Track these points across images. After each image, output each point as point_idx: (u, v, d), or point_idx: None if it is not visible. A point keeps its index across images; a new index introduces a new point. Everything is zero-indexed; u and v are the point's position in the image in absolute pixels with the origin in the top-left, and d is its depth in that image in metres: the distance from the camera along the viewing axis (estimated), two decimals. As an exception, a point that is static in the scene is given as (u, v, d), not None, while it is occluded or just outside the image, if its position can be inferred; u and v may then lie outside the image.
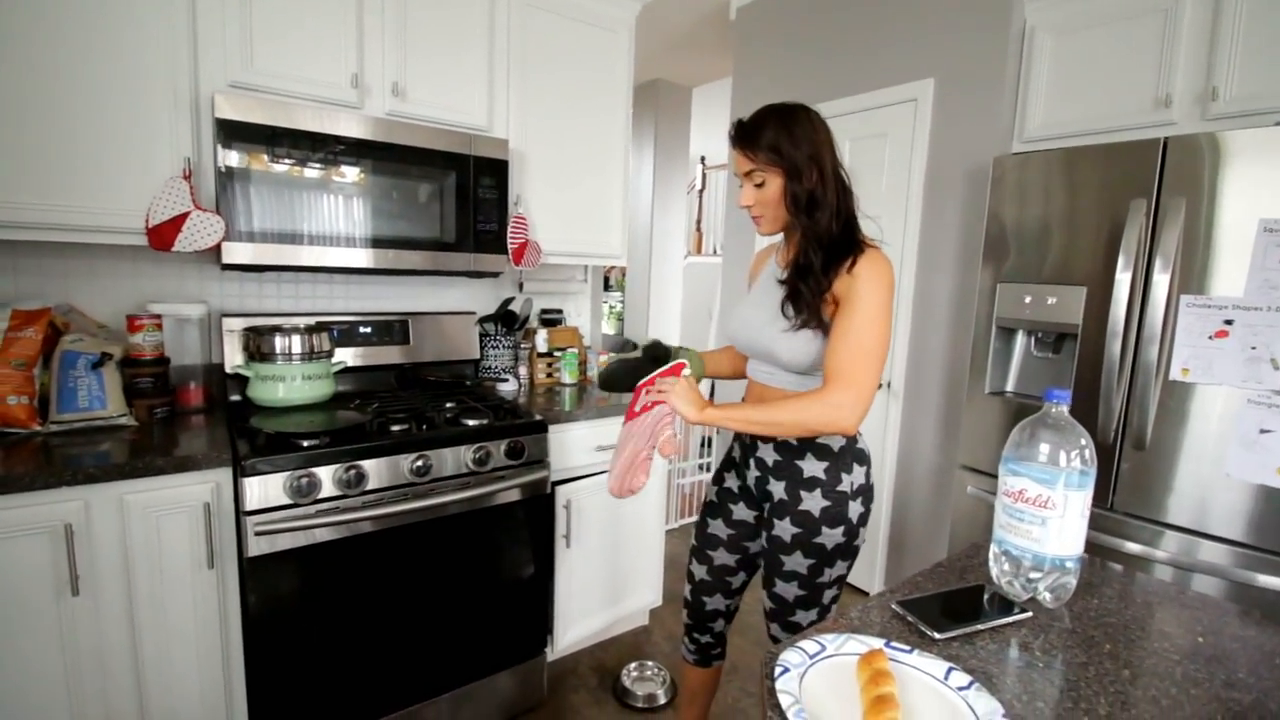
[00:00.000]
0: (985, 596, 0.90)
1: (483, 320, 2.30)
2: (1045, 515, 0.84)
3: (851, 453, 1.25)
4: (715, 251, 5.64)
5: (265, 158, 1.61)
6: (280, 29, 1.66)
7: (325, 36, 1.72)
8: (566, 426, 1.97)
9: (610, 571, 2.11)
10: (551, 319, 2.52)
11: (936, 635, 0.79)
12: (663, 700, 1.99)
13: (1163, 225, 1.62)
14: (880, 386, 2.56)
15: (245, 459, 1.38)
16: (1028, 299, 1.92)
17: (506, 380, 2.23)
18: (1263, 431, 1.50)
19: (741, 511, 1.41)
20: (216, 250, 1.59)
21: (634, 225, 4.88)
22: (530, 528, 1.82)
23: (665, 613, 2.46)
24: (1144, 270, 1.67)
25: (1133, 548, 1.70)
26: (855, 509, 1.25)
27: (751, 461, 1.33)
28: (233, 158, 1.56)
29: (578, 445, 1.99)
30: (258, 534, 1.38)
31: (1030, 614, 0.86)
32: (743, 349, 1.37)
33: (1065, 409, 0.86)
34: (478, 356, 2.27)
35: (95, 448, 1.42)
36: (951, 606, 0.87)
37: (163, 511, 1.38)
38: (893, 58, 2.46)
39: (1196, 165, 1.57)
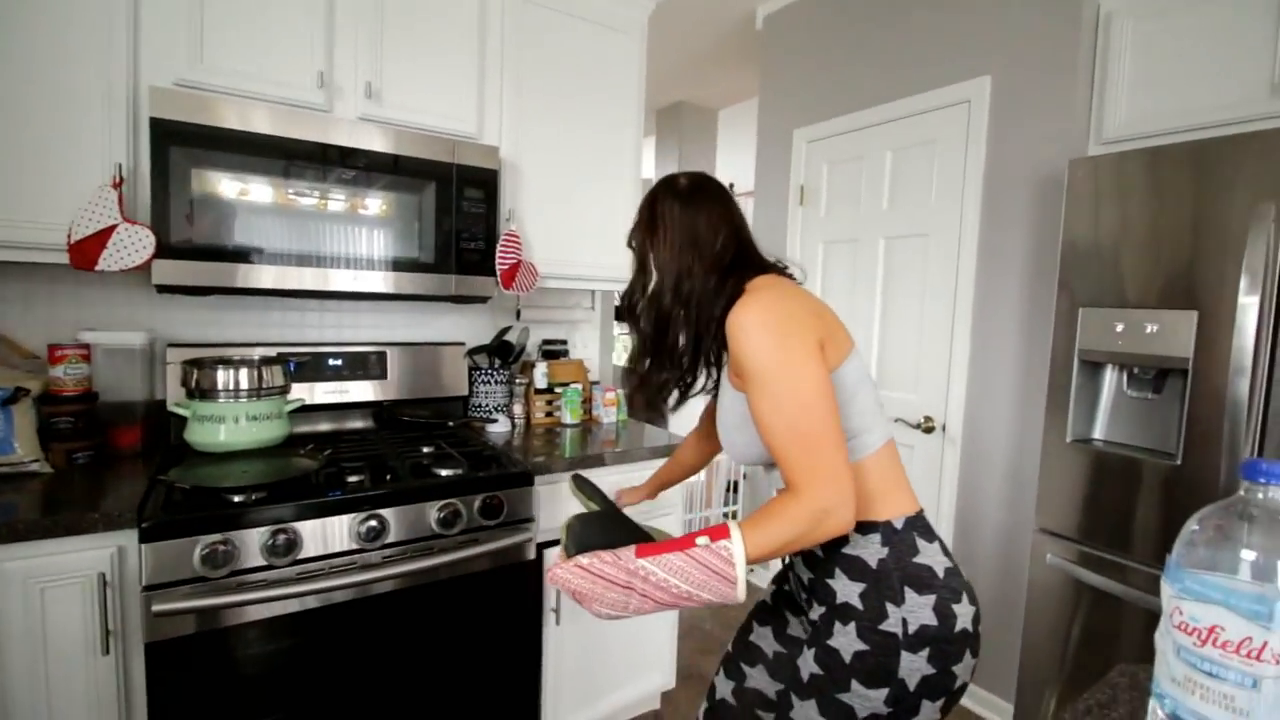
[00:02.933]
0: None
1: (473, 352, 2.04)
2: (1259, 673, 0.50)
3: (902, 570, 0.86)
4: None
5: (212, 165, 1.39)
6: (236, 18, 1.46)
7: (289, 28, 1.52)
8: (560, 477, 1.67)
9: (612, 649, 1.78)
10: (554, 350, 2.25)
11: None
12: (673, 814, 1.63)
13: (1302, 233, 1.27)
14: (930, 430, 2.21)
15: (147, 520, 1.12)
16: (1119, 326, 1.57)
17: (496, 420, 1.96)
18: None
19: (796, 628, 1.07)
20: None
21: (657, 253, 4.63)
22: (511, 601, 1.51)
23: (679, 696, 2.09)
24: (1275, 290, 1.32)
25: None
26: (912, 665, 0.84)
27: (803, 580, 0.98)
28: (171, 164, 1.35)
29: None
30: (158, 615, 1.11)
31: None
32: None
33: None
34: (466, 393, 2.00)
35: (-16, 501, 1.18)
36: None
37: (49, 583, 1.12)
38: (941, 56, 2.17)
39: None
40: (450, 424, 1.86)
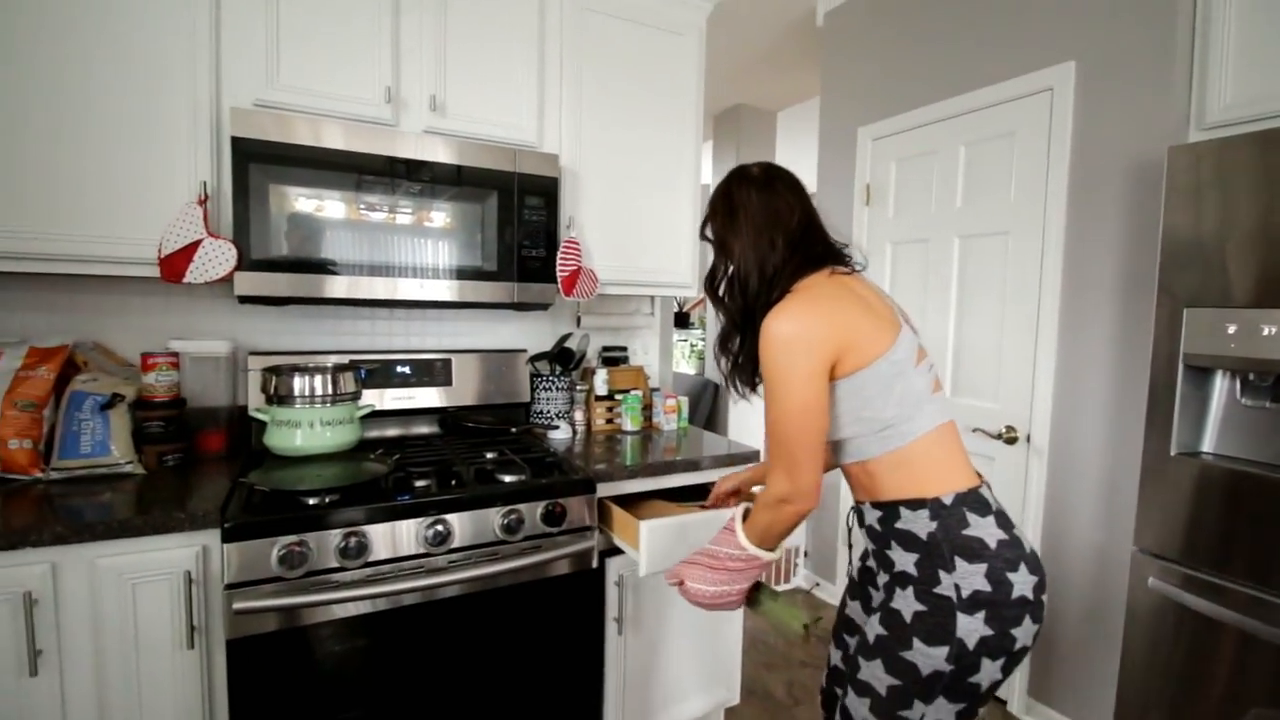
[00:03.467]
0: None
1: (535, 359, 2.06)
2: None
3: (951, 541, 0.95)
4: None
5: (287, 181, 1.45)
6: (308, 37, 1.52)
7: (357, 47, 1.57)
8: (622, 485, 1.65)
9: (674, 661, 1.74)
10: (614, 357, 2.23)
11: None
12: (738, 836, 1.57)
13: None
14: (1012, 441, 2.07)
15: (230, 521, 1.17)
16: (1231, 328, 1.43)
17: (558, 427, 1.96)
18: None
19: (875, 599, 1.15)
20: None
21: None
22: (573, 609, 1.50)
23: (744, 712, 2.03)
24: None
25: None
26: (969, 626, 0.92)
27: (870, 550, 1.10)
28: (250, 181, 1.41)
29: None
30: (238, 612, 1.15)
31: None
32: None
33: None
34: (528, 399, 2.02)
35: (88, 498, 1.26)
36: None
37: (140, 578, 1.18)
38: (1019, 42, 2.05)
39: None
40: (513, 430, 1.87)
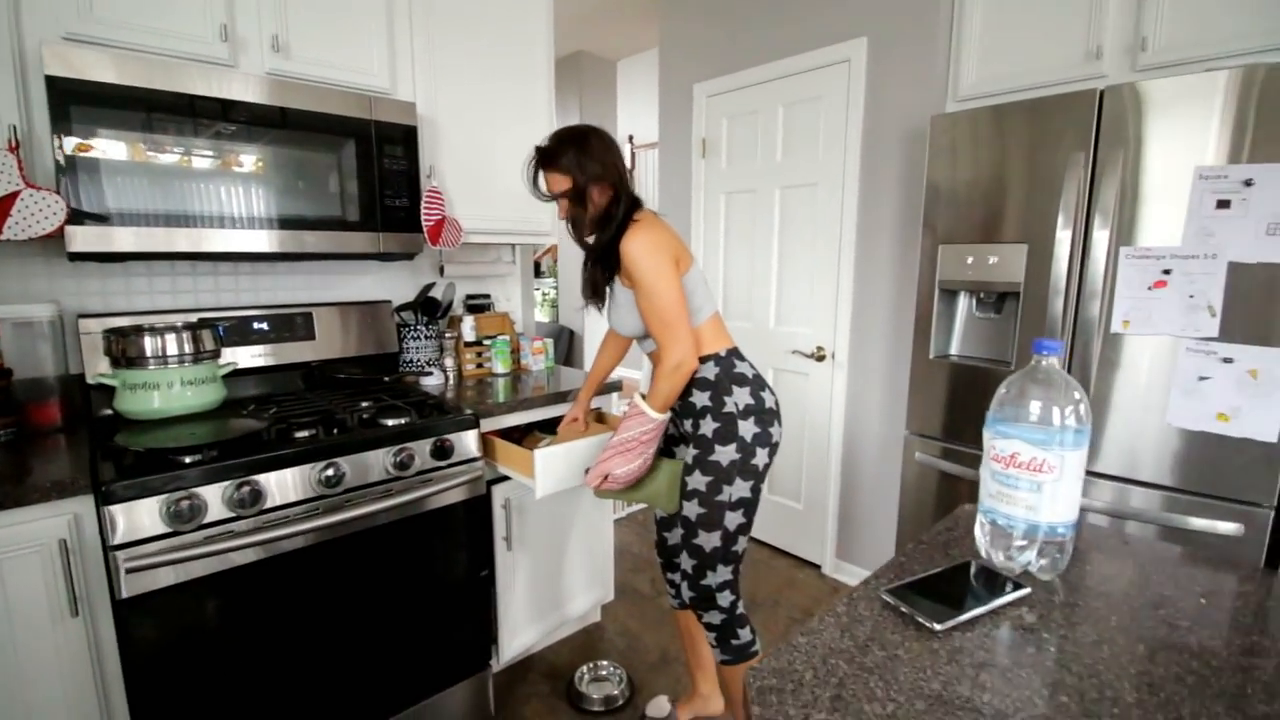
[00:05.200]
0: (972, 572, 0.82)
1: (400, 309, 2.09)
2: (1041, 480, 0.75)
3: (730, 377, 1.42)
4: (647, 232, 5.50)
5: (116, 125, 1.34)
6: (124, -32, 1.39)
7: (183, -21, 1.46)
8: (501, 420, 1.80)
9: (558, 571, 1.96)
10: (478, 304, 2.32)
11: (937, 626, 0.69)
12: (621, 701, 1.86)
13: (1101, 178, 1.60)
14: (821, 359, 2.51)
15: (107, 483, 1.15)
16: (969, 260, 1.89)
17: (431, 374, 2.03)
18: (1201, 379, 1.51)
19: (683, 452, 1.51)
20: (62, 239, 1.32)
21: (562, 207, 4.67)
22: (466, 532, 1.65)
23: (617, 607, 2.33)
24: (1084, 225, 1.65)
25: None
26: (747, 427, 1.39)
27: (675, 408, 1.49)
28: (73, 125, 1.30)
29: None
30: (130, 571, 1.15)
31: (1028, 590, 0.77)
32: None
33: (1056, 361, 0.77)
34: (396, 350, 2.05)
35: (-90, 483, 1.15)
36: (943, 590, 0.77)
37: (6, 553, 1.13)
38: (824, 17, 2.38)
39: (1128, 117, 1.55)
40: (386, 379, 1.92)
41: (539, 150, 1.43)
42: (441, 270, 2.25)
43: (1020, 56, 1.96)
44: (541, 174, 1.44)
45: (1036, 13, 1.92)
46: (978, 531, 0.86)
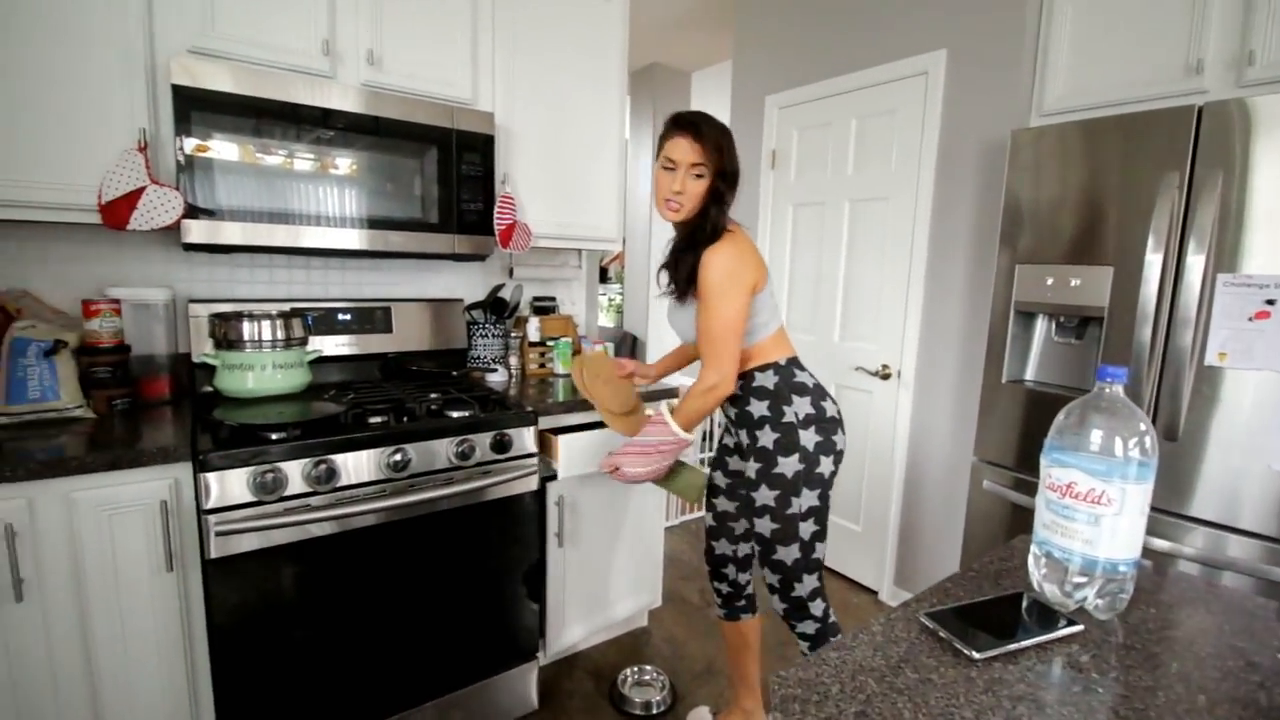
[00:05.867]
0: (1024, 605, 0.79)
1: (470, 308, 2.19)
2: (1099, 513, 0.72)
3: (789, 386, 1.41)
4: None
5: (229, 130, 1.49)
6: (245, -11, 1.53)
7: (294, -1, 1.59)
8: (559, 419, 1.85)
9: (607, 571, 2.00)
10: (544, 306, 2.40)
11: (975, 655, 0.68)
12: (663, 707, 1.88)
13: (1197, 199, 1.50)
14: (887, 377, 2.45)
15: (204, 453, 1.27)
16: (1049, 280, 1.80)
17: (496, 370, 2.12)
18: (1310, 420, 1.38)
19: (736, 463, 1.57)
20: (178, 231, 1.48)
21: (633, 214, 4.75)
22: (520, 525, 1.71)
23: (665, 614, 2.35)
24: (1177, 248, 1.55)
25: (1159, 544, 1.59)
26: (808, 437, 1.38)
27: (731, 417, 1.50)
28: (192, 129, 1.44)
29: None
30: (219, 534, 1.27)
31: (1081, 627, 0.74)
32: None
33: (1120, 389, 0.74)
34: (465, 346, 2.15)
35: (44, 441, 1.30)
36: (988, 618, 0.75)
37: (116, 510, 1.26)
38: (902, 29, 2.34)
39: (1233, 135, 1.44)
40: (454, 373, 2.01)
41: (686, 116, 1.38)
42: (511, 272, 2.34)
43: (1112, 70, 1.86)
44: (674, 140, 1.37)
45: (1131, 26, 1.82)
46: (1031, 563, 0.83)
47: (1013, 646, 0.70)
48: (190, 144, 1.44)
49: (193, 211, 1.47)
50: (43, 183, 1.38)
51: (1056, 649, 0.71)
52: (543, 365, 2.27)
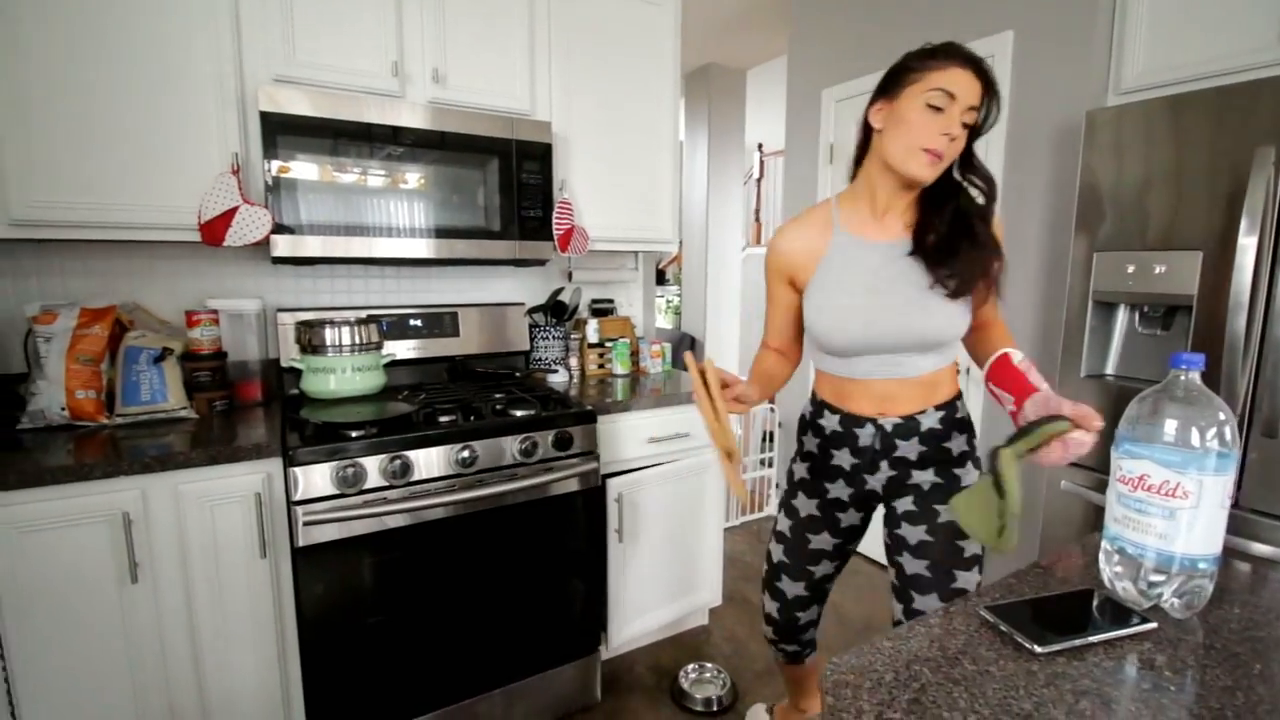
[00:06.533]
0: (1095, 603, 0.76)
1: (532, 311, 2.26)
2: (1174, 506, 0.69)
3: (969, 419, 1.27)
4: (774, 240, 5.44)
5: (310, 150, 1.60)
6: (320, 18, 1.65)
7: (365, 24, 1.70)
8: (618, 417, 1.89)
9: (666, 569, 2.02)
10: (602, 309, 2.45)
11: (1038, 649, 0.66)
12: (723, 705, 1.88)
13: (1298, 175, 1.39)
14: (958, 370, 2.36)
15: (293, 449, 1.38)
16: (1130, 268, 1.70)
17: (556, 371, 2.18)
18: None
19: (851, 517, 1.36)
20: (267, 245, 1.60)
21: (689, 216, 4.76)
22: (581, 521, 1.75)
23: (725, 613, 2.35)
24: (1274, 230, 1.44)
25: (1261, 549, 1.47)
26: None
27: (884, 464, 1.24)
28: (279, 151, 1.57)
29: (630, 437, 1.91)
30: (306, 524, 1.38)
31: (1154, 625, 0.71)
32: (864, 347, 1.19)
33: (1197, 376, 0.70)
34: (527, 348, 2.23)
35: (154, 439, 1.45)
36: (1054, 614, 0.73)
37: (216, 501, 1.39)
38: (966, 13, 2.26)
39: (1341, 101, 1.33)
40: (517, 374, 2.09)
41: (960, 48, 1.12)
42: (570, 276, 2.41)
43: (1197, 42, 1.74)
44: (952, 70, 1.09)
45: (1219, -7, 1.69)
46: (1101, 559, 0.79)
47: (1078, 642, 0.67)
48: (275, 165, 1.57)
49: (279, 227, 1.59)
50: (151, 206, 1.53)
51: (1128, 646, 0.68)
52: (601, 366, 2.32)
